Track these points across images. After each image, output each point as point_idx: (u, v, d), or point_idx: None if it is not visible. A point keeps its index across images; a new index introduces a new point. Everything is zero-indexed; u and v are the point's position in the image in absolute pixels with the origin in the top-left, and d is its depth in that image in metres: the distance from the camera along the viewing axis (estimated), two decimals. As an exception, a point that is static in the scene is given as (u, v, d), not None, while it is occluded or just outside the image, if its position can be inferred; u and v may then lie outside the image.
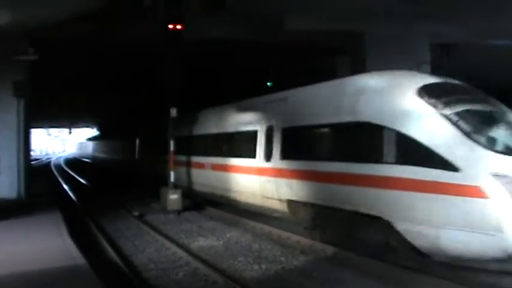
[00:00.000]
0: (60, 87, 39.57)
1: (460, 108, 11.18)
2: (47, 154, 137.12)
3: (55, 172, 56.66)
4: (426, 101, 11.49)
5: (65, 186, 36.66)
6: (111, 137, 66.50)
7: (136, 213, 22.40)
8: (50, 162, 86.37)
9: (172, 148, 23.51)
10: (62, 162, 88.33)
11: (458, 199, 10.15)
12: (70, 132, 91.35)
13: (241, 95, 21.73)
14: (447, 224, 10.43)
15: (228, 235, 17.56)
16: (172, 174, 23.31)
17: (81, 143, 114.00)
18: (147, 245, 16.19)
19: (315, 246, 14.99)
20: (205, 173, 22.24)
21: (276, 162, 16.46)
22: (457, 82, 12.87)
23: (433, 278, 10.99)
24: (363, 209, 12.49)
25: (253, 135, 17.97)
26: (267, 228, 18.09)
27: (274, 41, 24.71)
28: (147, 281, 12.13)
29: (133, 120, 55.05)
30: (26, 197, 24.08)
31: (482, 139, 10.58)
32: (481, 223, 9.86)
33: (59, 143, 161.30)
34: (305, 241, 15.57)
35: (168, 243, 16.01)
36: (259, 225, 18.69)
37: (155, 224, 20.18)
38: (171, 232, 18.36)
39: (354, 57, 25.10)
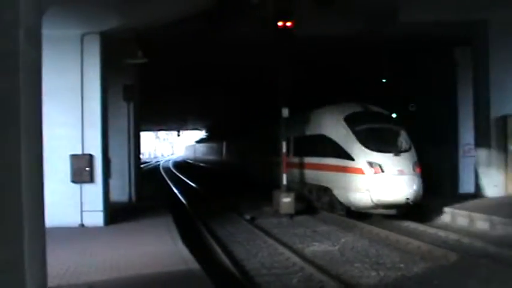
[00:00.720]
0: (168, 90, 40.82)
1: (362, 126, 21.01)
2: (155, 157, 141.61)
3: (164, 175, 58.49)
4: (346, 123, 21.45)
5: (175, 189, 37.78)
6: (211, 139, 72.02)
7: (247, 217, 22.74)
8: (158, 165, 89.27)
9: (284, 150, 23.67)
10: (170, 165, 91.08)
11: (354, 175, 20.24)
12: (178, 135, 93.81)
13: (353, 93, 21.58)
14: (351, 188, 20.45)
15: (343, 240, 17.48)
16: (284, 176, 23.44)
17: (187, 146, 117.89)
18: (259, 249, 16.41)
19: (435, 252, 14.65)
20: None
21: (292, 158, 25.81)
22: (374, 109, 22.52)
23: None
24: (321, 183, 23.01)
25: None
26: (384, 232, 17.84)
27: (388, 35, 24.26)
28: (260, 287, 12.28)
29: (237, 122, 58.36)
30: (136, 200, 25.08)
31: (366, 143, 20.42)
32: (362, 187, 19.83)
33: (167, 146, 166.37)
34: (425, 247, 15.24)
35: (281, 248, 16.14)
36: (376, 230, 18.47)
37: (267, 228, 20.40)
38: (284, 236, 18.50)
39: (477, 48, 24.21)
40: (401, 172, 19.64)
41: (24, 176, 5.04)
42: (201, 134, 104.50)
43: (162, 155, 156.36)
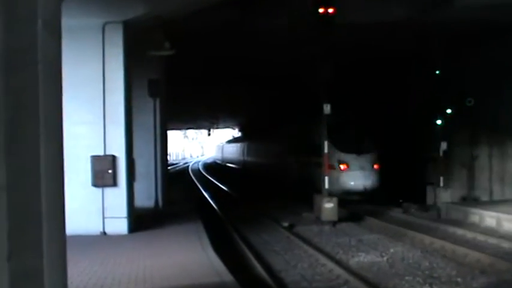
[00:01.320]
0: (197, 85, 41.00)
1: (337, 133, 27.46)
2: (183, 158, 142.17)
3: (193, 177, 58.77)
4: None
5: (204, 193, 37.99)
6: (237, 139, 78.25)
7: (285, 224, 22.75)
8: (187, 167, 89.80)
9: (326, 150, 23.66)
10: (200, 166, 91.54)
11: (329, 170, 25.09)
12: (209, 134, 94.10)
13: (402, 88, 21.39)
14: (330, 181, 24.54)
15: (392, 250, 17.39)
16: (326, 179, 23.41)
17: (217, 146, 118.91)
18: (299, 260, 16.40)
19: (497, 265, 14.45)
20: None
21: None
22: (351, 118, 30.29)
23: None
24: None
25: None
26: (439, 242, 17.70)
27: (441, 21, 23.93)
28: (301, 302, 12.32)
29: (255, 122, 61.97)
30: (163, 205, 25.19)
31: (339, 146, 28.21)
32: (336, 179, 27.07)
33: (196, 146, 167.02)
34: (486, 259, 15.06)
35: (323, 259, 16.11)
36: (429, 239, 18.33)
37: (307, 237, 20.42)
38: (326, 246, 18.50)
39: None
40: (362, 168, 28.61)
41: (44, 180, 5.12)
42: (233, 133, 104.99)
43: (191, 156, 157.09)
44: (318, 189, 25.28)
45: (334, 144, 27.79)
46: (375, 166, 29.01)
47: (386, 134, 33.76)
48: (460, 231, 19.96)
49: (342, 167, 28.38)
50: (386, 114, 35.19)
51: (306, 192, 28.39)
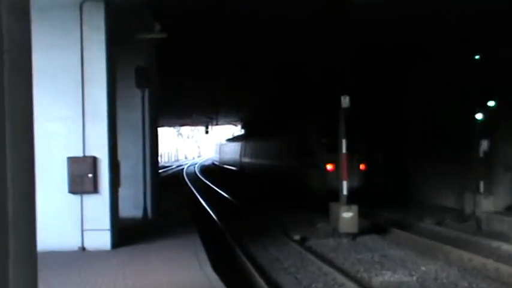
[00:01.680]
0: (193, 74, 40.99)
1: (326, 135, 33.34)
2: (177, 160, 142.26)
3: (188, 182, 58.86)
4: (316, 133, 36.21)
5: (202, 201, 38.04)
6: (236, 137, 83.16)
7: (296, 237, 22.81)
8: (182, 170, 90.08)
9: (344, 150, 23.61)
10: (196, 170, 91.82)
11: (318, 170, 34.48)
12: (207, 132, 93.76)
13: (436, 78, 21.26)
14: (317, 181, 34.69)
15: (423, 268, 17.39)
16: (345, 184, 23.35)
17: (216, 144, 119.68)
18: (313, 279, 16.44)
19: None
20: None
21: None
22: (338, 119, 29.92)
23: None
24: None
25: None
26: (479, 259, 17.65)
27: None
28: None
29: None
30: (153, 216, 25.20)
31: (328, 147, 31.73)
32: (323, 178, 33.28)
33: (192, 146, 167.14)
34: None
35: (341, 278, 16.11)
36: (467, 255, 18.29)
37: (323, 252, 20.46)
38: (344, 263, 18.53)
39: None
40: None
41: (11, 186, 5.12)
42: (235, 130, 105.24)
43: (186, 157, 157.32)
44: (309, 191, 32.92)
45: (323, 146, 33.44)
46: (361, 167, 33.59)
47: (406, 130, 34.07)
48: (505, 246, 19.89)
49: (329, 167, 32.18)
50: (406, 109, 35.35)
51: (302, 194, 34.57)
